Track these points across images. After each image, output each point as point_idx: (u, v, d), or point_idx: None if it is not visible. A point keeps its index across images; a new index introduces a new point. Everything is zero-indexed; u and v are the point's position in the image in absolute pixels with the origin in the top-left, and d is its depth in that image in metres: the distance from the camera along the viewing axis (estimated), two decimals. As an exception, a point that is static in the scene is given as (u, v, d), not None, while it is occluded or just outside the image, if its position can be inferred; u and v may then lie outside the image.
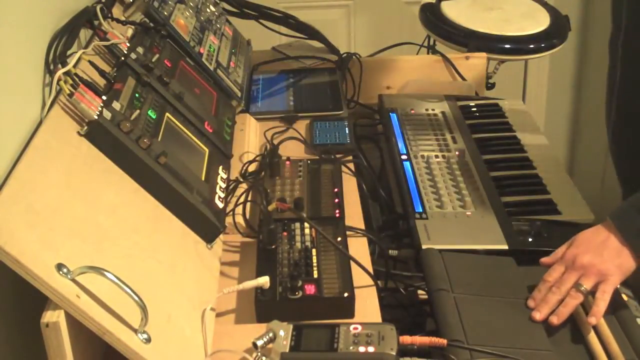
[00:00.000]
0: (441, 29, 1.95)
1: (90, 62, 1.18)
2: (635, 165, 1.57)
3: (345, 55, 1.87)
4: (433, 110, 1.67)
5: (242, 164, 1.40)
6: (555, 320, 1.06)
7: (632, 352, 1.01)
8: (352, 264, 1.13)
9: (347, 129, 1.55)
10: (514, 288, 1.14)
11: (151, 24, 1.46)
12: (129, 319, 0.88)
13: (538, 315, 1.07)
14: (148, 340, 0.89)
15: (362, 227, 1.29)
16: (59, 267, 0.85)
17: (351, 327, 0.99)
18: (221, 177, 1.30)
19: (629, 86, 1.54)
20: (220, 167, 1.32)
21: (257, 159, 1.43)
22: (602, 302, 1.05)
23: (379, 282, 1.17)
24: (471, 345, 1.00)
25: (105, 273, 0.85)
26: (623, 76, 1.54)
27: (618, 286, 1.09)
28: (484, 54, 1.85)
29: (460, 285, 1.13)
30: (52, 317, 0.83)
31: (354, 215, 1.30)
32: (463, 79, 1.83)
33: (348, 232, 1.23)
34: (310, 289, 1.08)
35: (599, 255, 1.07)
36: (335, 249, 1.15)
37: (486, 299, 1.12)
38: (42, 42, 1.15)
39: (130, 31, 1.38)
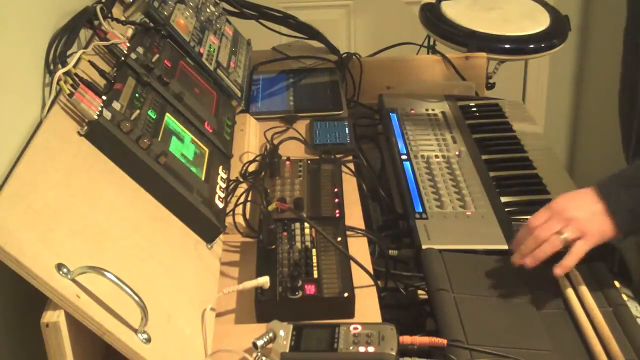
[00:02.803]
0: (441, 29, 1.95)
1: (90, 62, 1.18)
2: None
3: (345, 55, 1.87)
4: (433, 110, 1.67)
5: (242, 164, 1.40)
6: (529, 261, 1.09)
7: (632, 352, 1.01)
8: (352, 264, 1.13)
9: (347, 129, 1.55)
10: (514, 288, 1.14)
11: (151, 24, 1.46)
12: (129, 319, 0.88)
13: (516, 258, 1.11)
14: (148, 340, 0.89)
15: (362, 227, 1.29)
16: (59, 267, 0.85)
17: (351, 327, 0.99)
18: (221, 177, 1.30)
19: None
20: (220, 167, 1.32)
21: (257, 159, 1.43)
22: (573, 257, 1.08)
23: (379, 282, 1.17)
24: (471, 345, 1.00)
25: (105, 273, 0.85)
26: None
27: (590, 247, 1.10)
28: (484, 54, 1.85)
29: (460, 285, 1.13)
30: (52, 317, 0.83)
31: (354, 215, 1.30)
32: (463, 79, 1.83)
33: (348, 232, 1.23)
34: (310, 289, 1.08)
35: (588, 213, 1.10)
36: (335, 249, 1.15)
37: (486, 299, 1.12)
38: (42, 42, 1.15)
39: (130, 31, 1.38)
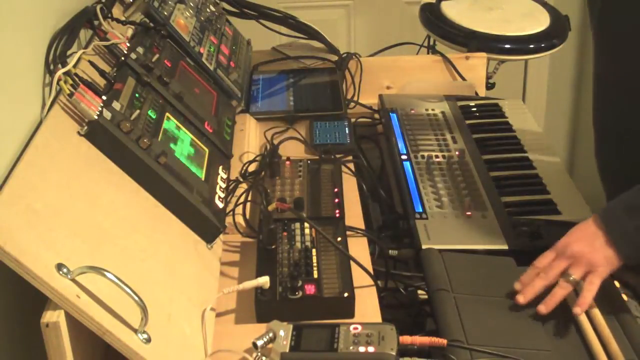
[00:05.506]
0: (441, 29, 1.95)
1: (90, 62, 1.18)
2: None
3: (345, 55, 1.87)
4: (433, 110, 1.67)
5: (242, 164, 1.40)
6: (543, 309, 1.07)
7: (632, 352, 1.01)
8: (352, 264, 1.13)
9: (347, 129, 1.55)
10: (513, 288, 1.14)
11: (151, 24, 1.46)
12: (129, 319, 0.88)
13: (522, 299, 1.09)
14: (148, 340, 0.89)
15: (362, 227, 1.29)
16: (59, 267, 0.85)
17: (351, 327, 0.99)
18: (221, 177, 1.30)
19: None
20: (220, 167, 1.32)
21: (257, 159, 1.43)
22: (588, 293, 1.06)
23: (379, 282, 1.17)
24: (471, 345, 1.00)
25: (105, 273, 0.85)
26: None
27: (603, 278, 1.09)
28: (484, 54, 1.85)
29: (460, 285, 1.13)
30: (52, 317, 0.83)
31: (354, 215, 1.30)
32: (463, 79, 1.82)
33: (348, 232, 1.23)
34: (310, 289, 1.08)
35: (590, 245, 1.09)
36: (335, 249, 1.15)
37: (486, 299, 1.12)
38: (42, 42, 1.15)
39: (130, 31, 1.38)
